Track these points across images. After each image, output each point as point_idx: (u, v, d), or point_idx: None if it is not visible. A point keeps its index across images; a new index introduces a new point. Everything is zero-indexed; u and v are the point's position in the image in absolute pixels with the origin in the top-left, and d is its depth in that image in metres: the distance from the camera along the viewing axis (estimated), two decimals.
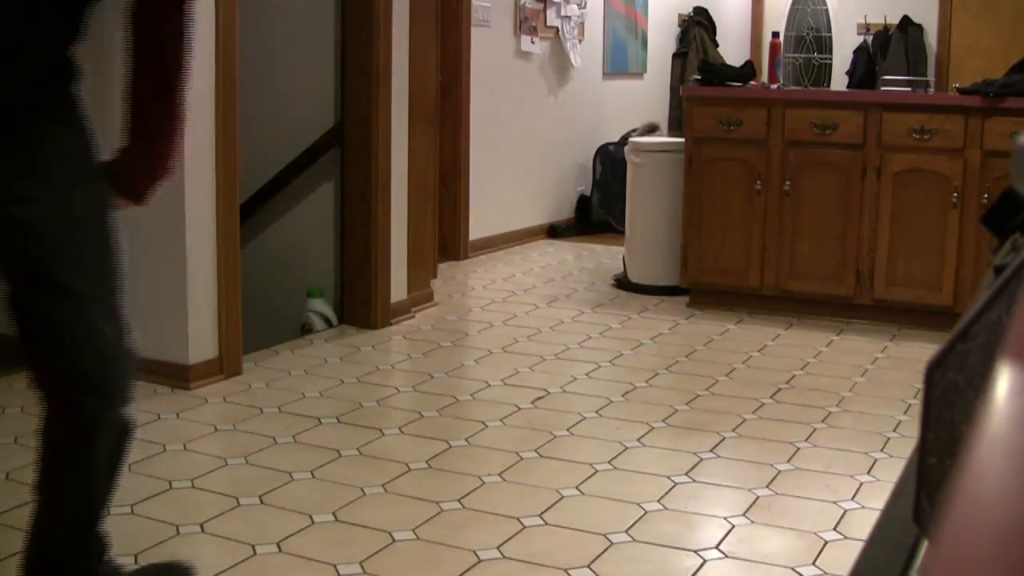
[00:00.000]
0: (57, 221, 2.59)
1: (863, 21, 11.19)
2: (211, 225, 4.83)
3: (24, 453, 3.89)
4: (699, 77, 6.81)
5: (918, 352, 5.56)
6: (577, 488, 3.78)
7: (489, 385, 4.97)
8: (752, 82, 6.60)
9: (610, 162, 9.67)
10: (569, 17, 9.28)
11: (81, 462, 2.67)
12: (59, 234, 2.59)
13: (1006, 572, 0.39)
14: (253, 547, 3.28)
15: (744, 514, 3.60)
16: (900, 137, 5.94)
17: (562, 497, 3.70)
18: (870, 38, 11.09)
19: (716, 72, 6.74)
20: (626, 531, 3.44)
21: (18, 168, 2.56)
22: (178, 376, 4.80)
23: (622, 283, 7.16)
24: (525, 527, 3.46)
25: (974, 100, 5.81)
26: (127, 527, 3.40)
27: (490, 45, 8.36)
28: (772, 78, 6.74)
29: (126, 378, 2.71)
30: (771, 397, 4.87)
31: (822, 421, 4.55)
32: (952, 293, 5.87)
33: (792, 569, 3.21)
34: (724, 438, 4.34)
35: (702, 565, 3.24)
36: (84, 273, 2.64)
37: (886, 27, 10.95)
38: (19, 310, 2.61)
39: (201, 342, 4.85)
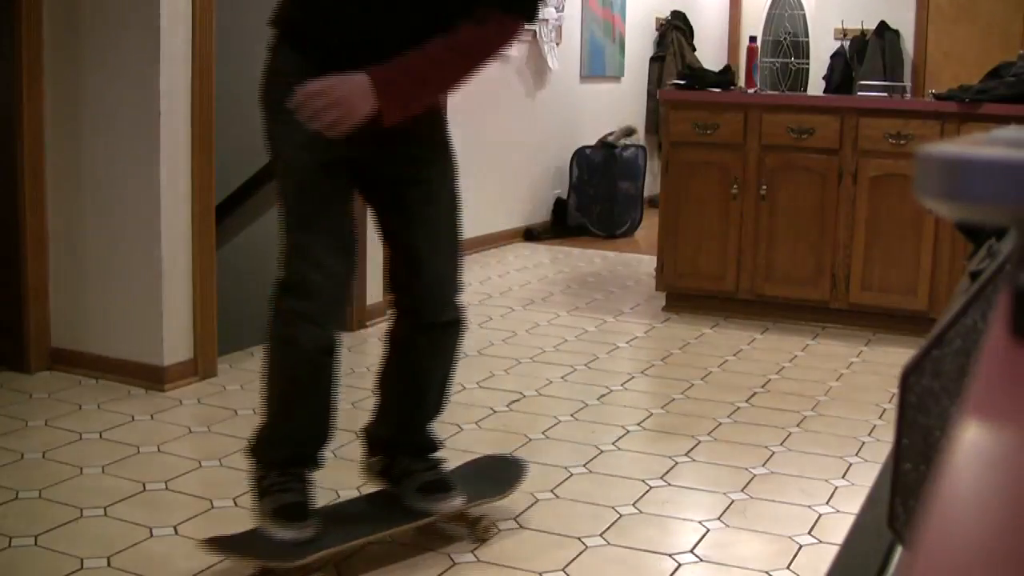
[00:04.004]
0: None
1: (840, 26, 11.22)
2: (187, 226, 4.81)
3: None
4: (681, 81, 6.82)
5: (893, 357, 5.58)
6: (552, 491, 3.78)
7: (464, 388, 4.96)
8: (731, 87, 6.61)
9: (587, 165, 9.68)
10: (547, 20, 9.29)
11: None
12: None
13: None
14: None
15: (719, 518, 3.60)
16: (876, 142, 5.96)
17: (537, 501, 3.69)
18: (847, 43, 11.13)
19: (699, 77, 6.75)
20: (601, 535, 3.44)
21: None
22: (152, 378, 4.77)
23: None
24: (500, 530, 3.45)
25: (950, 106, 5.83)
26: (100, 529, 3.38)
27: None
28: (749, 82, 6.76)
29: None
30: (746, 401, 4.87)
31: (797, 425, 4.56)
32: (927, 298, 5.89)
33: (767, 573, 3.22)
34: (699, 442, 4.34)
35: (677, 569, 3.24)
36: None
37: (863, 32, 10.99)
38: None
39: (176, 344, 4.83)
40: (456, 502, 3.31)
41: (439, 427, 4.42)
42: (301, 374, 3.15)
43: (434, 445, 3.45)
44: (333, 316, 3.18)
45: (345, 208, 3.17)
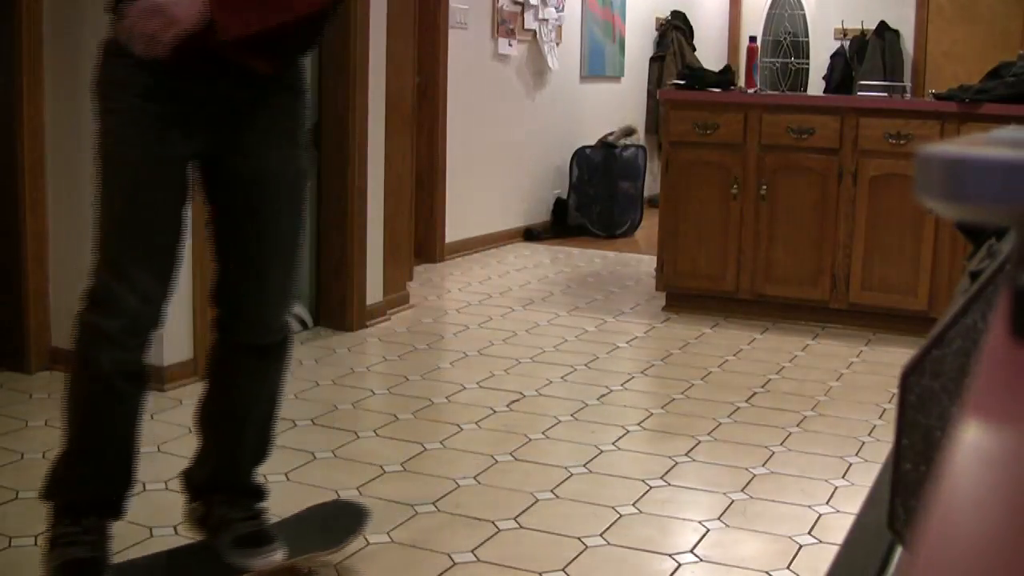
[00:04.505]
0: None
1: (840, 26, 11.23)
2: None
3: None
4: (681, 81, 6.82)
5: (893, 357, 5.58)
6: (552, 491, 3.78)
7: (464, 388, 4.96)
8: (731, 87, 6.61)
9: (587, 165, 9.68)
10: (547, 20, 9.29)
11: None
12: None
13: None
14: None
15: (719, 518, 3.60)
16: (876, 142, 5.96)
17: (537, 500, 3.69)
18: (847, 43, 11.14)
19: (698, 77, 6.75)
20: (601, 535, 3.44)
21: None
22: (152, 377, 4.74)
23: None
24: (500, 530, 3.45)
25: (950, 106, 5.83)
26: None
27: (467, 47, 8.36)
28: (749, 82, 6.76)
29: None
30: (746, 401, 4.87)
31: (797, 425, 4.56)
32: (927, 298, 5.90)
33: (767, 573, 3.21)
34: (699, 442, 4.34)
35: (677, 569, 3.24)
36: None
37: (863, 32, 11.00)
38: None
39: (176, 343, 4.82)
40: (276, 556, 2.95)
41: (441, 428, 4.43)
42: (99, 401, 2.77)
43: (256, 492, 3.10)
44: (143, 341, 2.79)
45: (172, 218, 2.77)
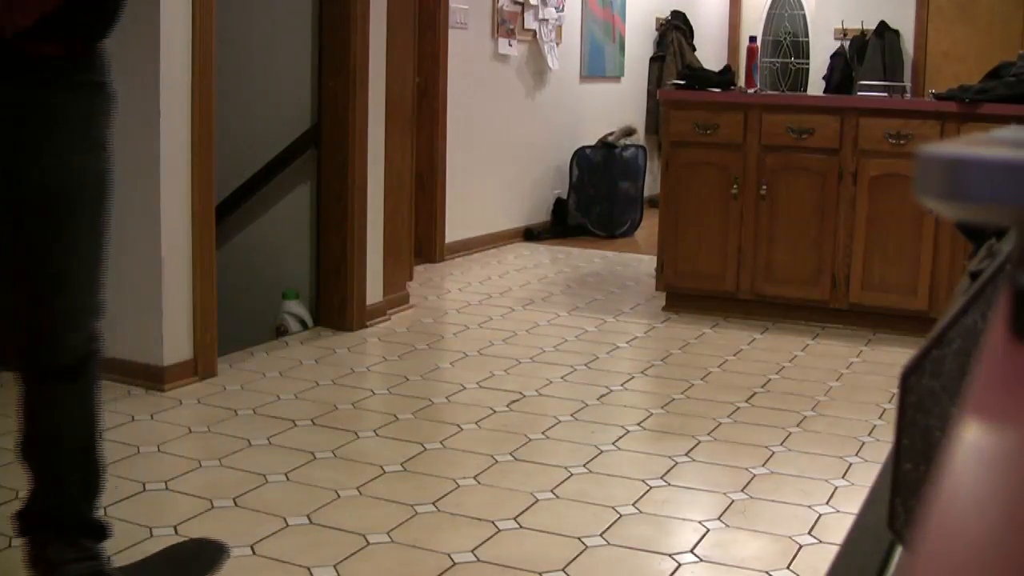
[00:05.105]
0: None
1: (840, 26, 11.23)
2: (187, 226, 4.81)
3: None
4: (681, 81, 6.82)
5: (893, 356, 5.58)
6: (552, 491, 3.78)
7: (464, 388, 4.96)
8: (731, 87, 6.61)
9: (587, 165, 9.68)
10: (547, 20, 9.29)
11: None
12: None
13: None
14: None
15: (719, 518, 3.60)
16: (876, 142, 5.96)
17: (537, 500, 3.69)
18: (847, 43, 11.13)
19: (699, 77, 6.75)
20: (601, 535, 3.44)
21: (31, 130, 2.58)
22: (152, 377, 4.77)
23: None
24: (500, 530, 3.45)
25: (950, 106, 5.83)
26: None
27: (467, 47, 8.36)
28: (749, 82, 6.76)
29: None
30: (746, 401, 4.87)
31: (797, 425, 4.55)
32: (927, 298, 5.89)
33: (767, 573, 3.21)
34: (699, 442, 4.34)
35: (677, 569, 3.24)
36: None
37: (863, 32, 10.99)
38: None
39: (176, 343, 4.82)
40: None
41: (441, 428, 4.42)
42: None
43: (93, 529, 2.82)
44: None
45: None
